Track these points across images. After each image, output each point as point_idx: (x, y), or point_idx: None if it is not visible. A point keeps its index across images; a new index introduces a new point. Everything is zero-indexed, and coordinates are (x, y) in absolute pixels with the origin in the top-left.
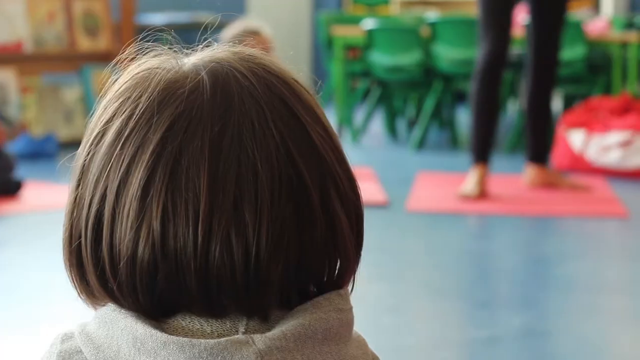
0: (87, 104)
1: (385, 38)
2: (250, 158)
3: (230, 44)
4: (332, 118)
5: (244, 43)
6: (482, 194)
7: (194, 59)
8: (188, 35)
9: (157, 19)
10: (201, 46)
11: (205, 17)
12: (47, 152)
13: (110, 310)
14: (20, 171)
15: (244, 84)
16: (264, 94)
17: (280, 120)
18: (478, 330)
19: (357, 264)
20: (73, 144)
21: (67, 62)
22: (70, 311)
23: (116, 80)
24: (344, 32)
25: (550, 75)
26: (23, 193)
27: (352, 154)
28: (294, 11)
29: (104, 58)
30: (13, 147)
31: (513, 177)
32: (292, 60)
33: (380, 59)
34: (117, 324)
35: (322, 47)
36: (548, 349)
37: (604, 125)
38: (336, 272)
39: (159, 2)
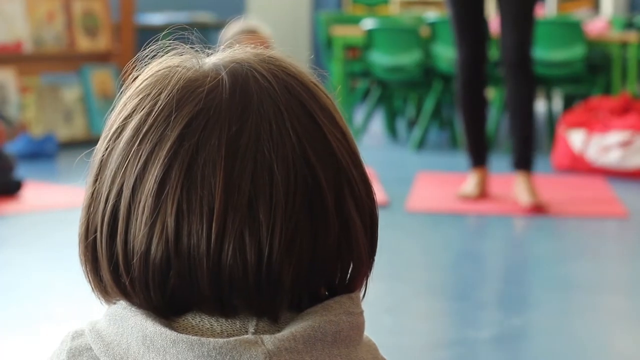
0: (87, 104)
1: (384, 38)
2: (267, 158)
3: (252, 46)
4: None
5: (242, 42)
6: (482, 195)
7: (214, 58)
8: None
9: (156, 18)
10: (222, 47)
11: (204, 17)
12: (47, 152)
13: (120, 308)
14: (20, 171)
15: (263, 85)
16: (283, 95)
17: (298, 122)
18: (478, 330)
19: (370, 268)
20: (72, 144)
21: (67, 62)
22: (70, 311)
23: (137, 77)
24: (344, 32)
25: (525, 75)
26: (23, 193)
27: None
28: (294, 11)
29: (104, 58)
30: (13, 147)
31: (513, 177)
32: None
33: (380, 59)
34: (127, 322)
35: (321, 47)
36: (547, 349)
37: (604, 125)
38: (348, 275)
39: (158, 2)
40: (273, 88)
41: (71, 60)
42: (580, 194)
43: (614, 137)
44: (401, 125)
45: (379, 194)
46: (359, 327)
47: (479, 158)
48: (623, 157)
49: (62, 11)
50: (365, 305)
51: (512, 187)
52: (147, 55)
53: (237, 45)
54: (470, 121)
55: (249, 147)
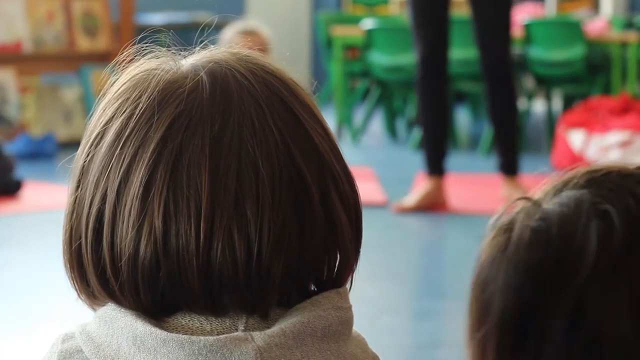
0: (87, 104)
1: (384, 38)
2: (251, 155)
3: (228, 45)
4: (331, 118)
5: (242, 44)
6: (421, 206)
7: (192, 59)
8: (187, 35)
9: (156, 18)
10: (198, 48)
11: (204, 17)
12: (46, 152)
13: (110, 310)
14: (20, 171)
15: (242, 83)
16: (263, 93)
17: (280, 119)
18: None
19: (356, 260)
20: (72, 144)
21: (67, 62)
22: (69, 311)
23: (114, 81)
24: (344, 32)
25: (503, 77)
26: (22, 193)
27: (351, 153)
28: (293, 11)
29: (103, 58)
30: (12, 147)
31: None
32: (291, 60)
33: (380, 58)
34: (117, 323)
35: (321, 47)
36: None
37: (604, 125)
38: (335, 269)
39: (158, 2)
40: (253, 86)
41: (71, 60)
42: None
43: (614, 137)
44: (401, 125)
45: (379, 193)
46: (348, 321)
47: (434, 166)
48: (623, 157)
49: (62, 11)
50: (365, 305)
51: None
52: (124, 59)
53: (213, 45)
54: (428, 123)
55: (233, 145)
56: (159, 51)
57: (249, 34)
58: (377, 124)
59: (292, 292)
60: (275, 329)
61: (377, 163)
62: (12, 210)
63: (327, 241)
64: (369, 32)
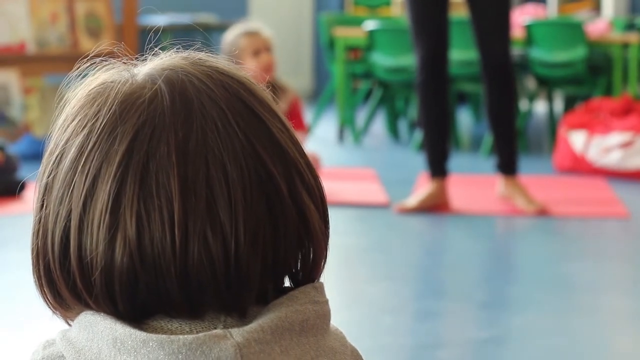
0: None
1: (386, 39)
2: (218, 158)
3: (177, 49)
4: (333, 119)
5: (244, 44)
6: (423, 207)
7: (146, 68)
8: (190, 36)
9: (159, 20)
10: (150, 55)
11: (207, 18)
12: None
13: (89, 314)
14: (23, 172)
15: (201, 88)
16: (222, 95)
17: (241, 119)
18: (478, 330)
19: (327, 249)
20: None
21: (70, 63)
22: None
23: (70, 97)
24: (346, 33)
25: (503, 77)
26: (26, 193)
27: (353, 154)
28: (296, 12)
29: None
30: (16, 148)
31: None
32: (294, 61)
33: (382, 60)
34: (96, 327)
35: (323, 48)
36: (547, 349)
37: (605, 127)
38: (310, 262)
39: (161, 4)
40: (211, 89)
41: (74, 61)
42: (581, 194)
43: (615, 138)
44: (403, 126)
45: (381, 194)
46: (325, 315)
47: (437, 168)
48: (624, 158)
49: (65, 12)
50: (366, 305)
51: (497, 188)
52: (79, 75)
53: (163, 52)
54: (430, 125)
55: (199, 150)
56: (111, 62)
57: (252, 35)
58: (379, 125)
59: (268, 289)
60: (254, 325)
61: (379, 164)
62: (16, 211)
63: (300, 234)
64: (371, 33)
